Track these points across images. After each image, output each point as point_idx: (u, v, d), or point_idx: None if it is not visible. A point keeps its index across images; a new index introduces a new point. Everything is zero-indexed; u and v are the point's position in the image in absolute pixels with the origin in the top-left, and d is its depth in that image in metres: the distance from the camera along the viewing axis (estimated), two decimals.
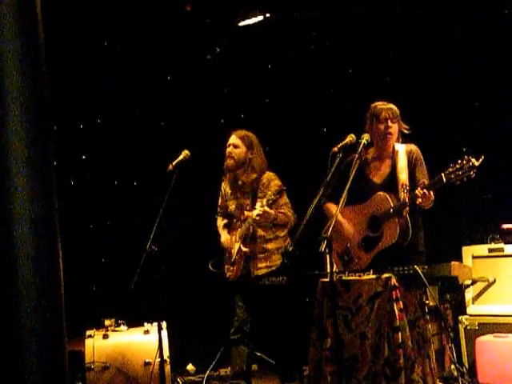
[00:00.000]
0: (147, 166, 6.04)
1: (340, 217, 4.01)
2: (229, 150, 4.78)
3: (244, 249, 4.69)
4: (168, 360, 4.80)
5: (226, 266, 4.86)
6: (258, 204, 4.51)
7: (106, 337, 4.86)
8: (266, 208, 4.51)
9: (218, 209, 5.06)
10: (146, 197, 5.53)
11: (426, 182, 3.89)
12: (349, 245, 4.08)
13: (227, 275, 4.84)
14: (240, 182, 4.84)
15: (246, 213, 4.71)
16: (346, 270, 3.94)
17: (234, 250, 4.78)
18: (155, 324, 4.80)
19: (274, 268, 4.71)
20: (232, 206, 4.91)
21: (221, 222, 5.02)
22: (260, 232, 4.73)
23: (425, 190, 3.72)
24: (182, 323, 5.47)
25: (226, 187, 4.98)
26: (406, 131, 4.09)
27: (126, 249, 5.38)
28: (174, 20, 5.99)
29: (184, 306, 5.71)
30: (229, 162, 4.79)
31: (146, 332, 4.92)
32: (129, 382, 4.77)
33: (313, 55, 6.34)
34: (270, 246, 4.77)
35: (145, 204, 5.17)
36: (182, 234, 5.03)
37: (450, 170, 3.59)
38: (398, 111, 4.05)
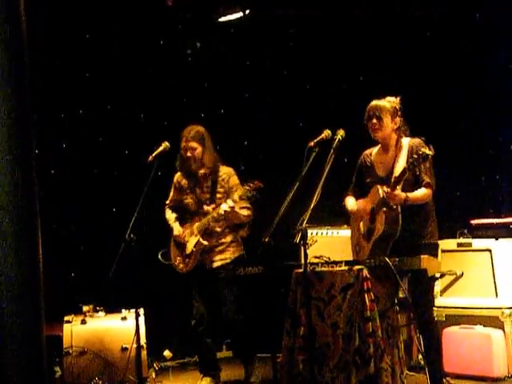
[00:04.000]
0: (127, 156, 6.09)
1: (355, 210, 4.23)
2: (188, 154, 4.74)
3: (204, 242, 4.68)
4: (145, 346, 4.91)
5: (178, 258, 4.84)
6: (229, 201, 4.53)
7: (84, 322, 4.94)
8: (237, 207, 4.55)
9: (169, 201, 5.01)
10: (126, 187, 5.58)
11: (427, 179, 3.92)
12: (359, 236, 4.19)
13: (179, 267, 4.84)
14: (199, 176, 4.80)
15: (205, 207, 4.72)
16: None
17: (191, 243, 4.76)
18: (133, 310, 4.90)
19: (228, 261, 4.76)
20: (189, 200, 4.87)
21: (171, 215, 4.97)
22: (216, 228, 4.74)
23: (386, 189, 3.82)
24: (160, 310, 5.54)
25: (181, 181, 4.93)
26: (395, 126, 4.07)
27: (106, 237, 5.43)
28: (156, 14, 6.01)
29: (162, 294, 5.78)
30: (192, 165, 4.75)
31: (124, 318, 5.00)
32: (106, 367, 4.84)
33: (311, 54, 6.35)
34: (225, 239, 4.80)
35: (125, 194, 5.22)
36: (160, 223, 5.08)
37: (410, 160, 3.71)
38: (386, 106, 4.05)
